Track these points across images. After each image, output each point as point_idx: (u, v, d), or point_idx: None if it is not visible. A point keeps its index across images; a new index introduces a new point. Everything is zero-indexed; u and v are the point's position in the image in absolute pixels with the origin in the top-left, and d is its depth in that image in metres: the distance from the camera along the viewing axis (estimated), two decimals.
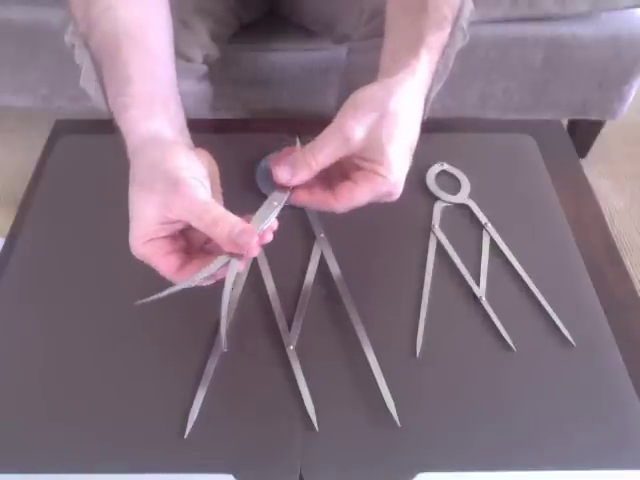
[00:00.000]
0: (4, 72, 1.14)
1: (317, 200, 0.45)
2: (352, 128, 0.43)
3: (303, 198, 0.46)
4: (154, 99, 0.46)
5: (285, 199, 0.45)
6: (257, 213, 0.44)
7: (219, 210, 0.40)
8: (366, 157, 0.44)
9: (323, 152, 0.44)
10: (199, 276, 0.41)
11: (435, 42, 0.49)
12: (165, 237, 0.42)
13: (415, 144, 0.47)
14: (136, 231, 0.41)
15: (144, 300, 0.42)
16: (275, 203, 0.45)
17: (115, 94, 0.47)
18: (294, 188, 0.46)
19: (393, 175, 0.44)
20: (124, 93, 0.46)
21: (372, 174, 0.44)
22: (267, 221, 0.44)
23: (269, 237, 0.43)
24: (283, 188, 0.45)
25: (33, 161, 0.65)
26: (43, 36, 1.05)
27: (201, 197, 0.40)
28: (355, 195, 0.44)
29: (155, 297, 0.41)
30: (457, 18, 0.51)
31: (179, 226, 0.42)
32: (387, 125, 0.43)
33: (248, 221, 0.43)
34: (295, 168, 0.44)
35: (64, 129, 0.69)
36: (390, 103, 0.44)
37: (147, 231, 0.41)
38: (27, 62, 1.11)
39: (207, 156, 0.46)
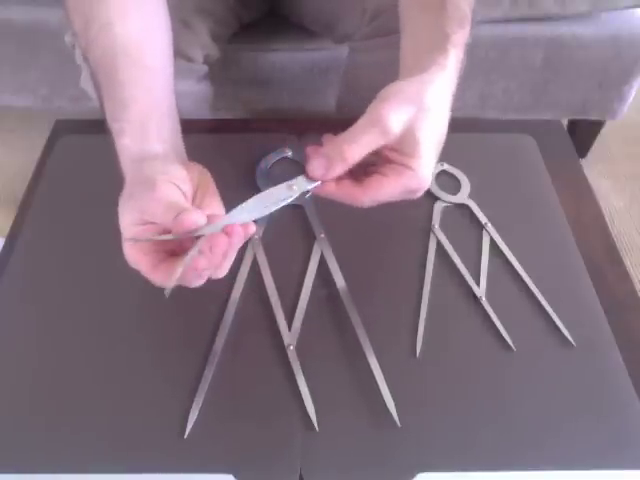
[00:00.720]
0: (4, 72, 1.14)
1: (344, 192, 0.44)
2: (390, 118, 0.42)
3: (330, 189, 0.44)
4: (149, 120, 0.47)
5: (310, 189, 0.43)
6: (271, 190, 0.43)
7: (185, 207, 0.40)
8: (399, 149, 0.43)
9: (360, 143, 0.42)
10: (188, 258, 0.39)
11: (459, 40, 0.48)
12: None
13: (443, 142, 0.46)
14: (123, 238, 0.42)
15: (137, 239, 0.41)
16: (295, 188, 0.43)
17: (112, 117, 0.47)
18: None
19: (422, 170, 0.43)
20: (120, 118, 0.46)
21: (403, 168, 0.43)
22: (281, 203, 0.42)
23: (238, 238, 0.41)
24: (312, 178, 0.43)
25: (33, 161, 0.65)
26: (43, 36, 1.05)
27: (170, 197, 0.40)
28: (384, 188, 0.43)
29: (151, 239, 0.40)
30: (473, 14, 0.51)
31: (158, 228, 0.41)
32: (421, 119, 0.43)
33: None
34: (330, 161, 0.42)
35: (64, 129, 0.69)
36: (425, 97, 0.43)
37: (128, 234, 0.41)
38: (27, 62, 1.11)
39: (197, 167, 0.46)
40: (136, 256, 0.41)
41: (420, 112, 0.43)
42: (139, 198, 0.41)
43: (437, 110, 0.44)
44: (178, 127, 0.49)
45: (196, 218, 0.38)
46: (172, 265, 0.40)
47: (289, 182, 0.43)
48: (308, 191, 0.44)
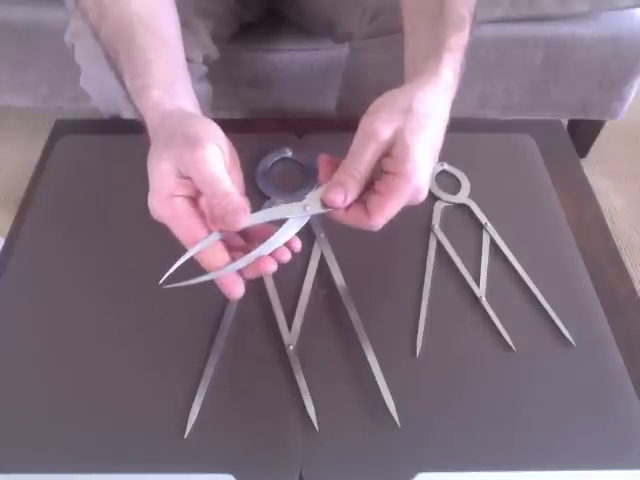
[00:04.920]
0: (4, 72, 1.14)
1: (353, 218, 0.44)
2: (379, 128, 0.42)
3: (340, 216, 0.44)
4: (175, 80, 0.47)
5: (322, 212, 0.44)
6: (286, 206, 0.43)
7: (225, 181, 0.40)
8: (392, 155, 0.43)
9: (363, 161, 0.43)
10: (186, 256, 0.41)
11: (455, 43, 0.48)
12: (184, 197, 0.41)
13: (440, 146, 0.46)
14: (153, 189, 0.41)
15: (169, 284, 0.41)
16: (308, 209, 0.43)
17: (134, 75, 0.47)
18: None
19: (416, 174, 0.42)
20: (145, 74, 0.46)
21: (395, 178, 0.42)
22: (289, 230, 0.42)
23: (286, 257, 0.42)
24: (331, 207, 0.43)
25: (33, 161, 0.65)
26: (43, 36, 1.05)
27: (213, 161, 0.40)
28: (386, 208, 0.43)
29: (182, 284, 0.41)
30: (474, 16, 0.51)
31: (193, 186, 0.41)
32: (410, 123, 0.43)
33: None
34: (345, 187, 0.43)
35: (64, 129, 0.69)
36: (413, 104, 0.44)
37: (162, 185, 0.41)
38: (27, 62, 1.11)
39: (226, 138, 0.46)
40: (172, 219, 0.41)
41: (409, 116, 0.43)
42: (181, 152, 0.40)
43: (428, 114, 0.44)
44: (197, 99, 0.49)
45: (245, 220, 0.40)
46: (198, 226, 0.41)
47: (304, 202, 0.43)
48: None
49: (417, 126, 0.43)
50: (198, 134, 0.41)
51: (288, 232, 0.42)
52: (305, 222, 0.43)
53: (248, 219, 0.40)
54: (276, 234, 0.42)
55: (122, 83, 0.49)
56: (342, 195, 0.42)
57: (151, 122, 0.45)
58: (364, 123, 0.44)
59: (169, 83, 0.47)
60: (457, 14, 0.49)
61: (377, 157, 0.43)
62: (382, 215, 0.43)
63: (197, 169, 0.40)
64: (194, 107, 0.47)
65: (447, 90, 0.47)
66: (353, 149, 0.43)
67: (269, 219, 0.43)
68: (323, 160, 0.46)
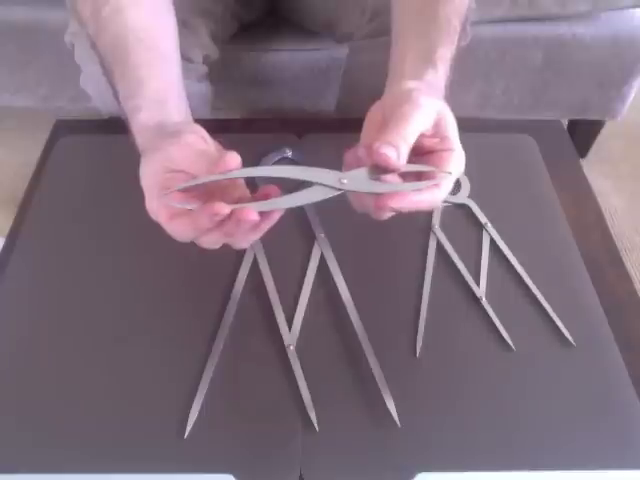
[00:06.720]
0: (4, 72, 1.14)
1: (424, 197, 0.41)
2: (426, 103, 0.42)
3: (412, 199, 0.41)
4: (165, 99, 0.47)
5: (368, 191, 0.41)
6: (319, 172, 0.41)
7: (212, 153, 0.41)
8: (438, 134, 0.43)
9: (412, 124, 0.41)
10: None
11: (445, 54, 0.49)
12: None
13: None
14: (146, 192, 0.42)
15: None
16: (345, 181, 0.40)
17: (127, 96, 0.48)
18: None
19: (460, 148, 0.44)
20: (136, 95, 0.47)
21: (447, 152, 0.43)
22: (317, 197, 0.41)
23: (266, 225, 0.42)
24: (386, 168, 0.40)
25: (33, 161, 0.65)
26: (43, 36, 1.05)
27: (196, 143, 0.41)
28: (449, 178, 0.42)
29: (191, 183, 0.39)
30: (464, 25, 0.52)
31: (185, 176, 0.41)
32: (444, 106, 0.44)
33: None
34: (396, 146, 0.40)
35: (64, 129, 0.69)
36: (440, 93, 0.46)
37: (155, 183, 0.41)
38: (27, 62, 1.11)
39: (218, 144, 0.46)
40: (158, 207, 0.41)
41: (441, 100, 0.45)
42: (166, 149, 0.41)
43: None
44: (190, 112, 0.50)
45: (239, 160, 0.39)
46: (189, 218, 0.40)
47: (339, 174, 0.40)
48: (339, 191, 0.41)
49: (447, 108, 0.44)
50: (180, 129, 0.42)
51: (310, 196, 0.41)
52: (330, 196, 0.41)
53: (245, 170, 0.41)
54: (297, 193, 0.41)
55: (117, 99, 0.49)
56: (394, 151, 0.40)
57: (141, 140, 0.46)
58: (409, 97, 0.43)
59: (160, 102, 0.47)
60: (451, 25, 0.50)
61: (422, 127, 0.42)
62: (448, 187, 0.43)
63: (184, 155, 0.41)
64: (184, 119, 0.48)
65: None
66: (399, 115, 0.41)
67: (289, 176, 0.42)
68: (349, 152, 0.44)
